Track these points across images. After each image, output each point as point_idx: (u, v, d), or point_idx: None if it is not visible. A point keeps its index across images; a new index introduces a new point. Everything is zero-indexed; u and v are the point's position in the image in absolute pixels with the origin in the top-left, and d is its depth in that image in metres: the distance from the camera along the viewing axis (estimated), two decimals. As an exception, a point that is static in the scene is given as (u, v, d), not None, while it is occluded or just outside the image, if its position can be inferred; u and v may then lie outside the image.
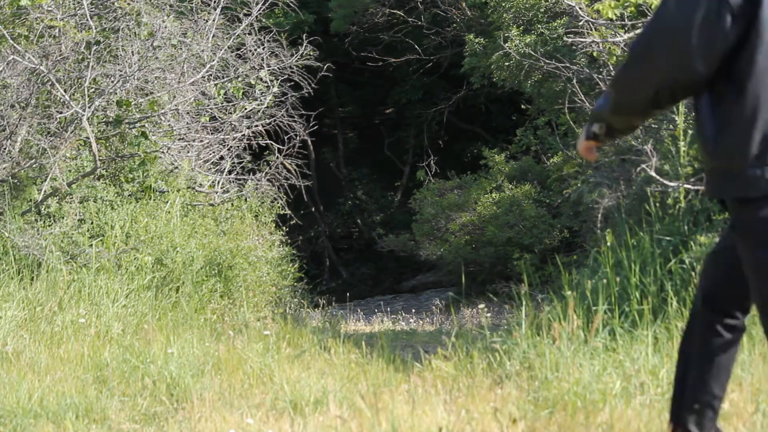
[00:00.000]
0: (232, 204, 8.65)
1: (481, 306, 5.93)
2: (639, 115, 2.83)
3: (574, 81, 8.50)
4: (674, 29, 2.57)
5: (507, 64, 11.64)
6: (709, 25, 2.53)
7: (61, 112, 6.98)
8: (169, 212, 7.44)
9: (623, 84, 2.74)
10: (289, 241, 9.92)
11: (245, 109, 8.97)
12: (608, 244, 4.79)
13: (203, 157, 8.87)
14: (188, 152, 8.50)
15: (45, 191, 6.77)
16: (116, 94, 7.33)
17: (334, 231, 19.93)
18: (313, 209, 18.97)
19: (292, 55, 9.33)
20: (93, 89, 7.28)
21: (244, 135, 9.13)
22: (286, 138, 9.65)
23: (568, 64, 10.22)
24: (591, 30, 7.18)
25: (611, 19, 6.72)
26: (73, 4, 7.41)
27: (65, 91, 6.97)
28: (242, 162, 9.43)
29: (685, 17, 2.55)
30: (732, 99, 2.56)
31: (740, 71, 2.55)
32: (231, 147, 9.11)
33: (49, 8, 7.08)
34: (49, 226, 6.71)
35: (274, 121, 9.44)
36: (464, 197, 14.13)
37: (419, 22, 17.01)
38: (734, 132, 2.55)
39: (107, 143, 7.58)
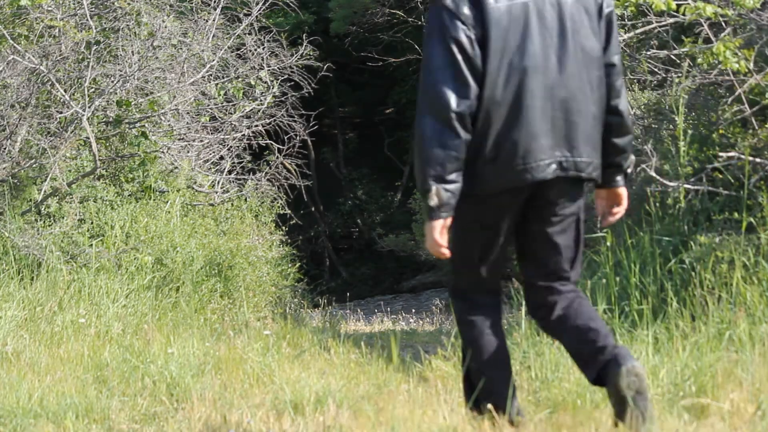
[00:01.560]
0: (232, 204, 8.65)
1: (481, 306, 5.91)
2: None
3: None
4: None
5: (507, 64, 11.62)
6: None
7: (61, 112, 6.98)
8: (169, 212, 7.44)
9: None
10: (289, 241, 9.91)
11: (245, 109, 8.97)
12: (608, 244, 4.79)
13: (203, 157, 8.87)
14: (188, 152, 8.50)
15: (45, 191, 6.77)
16: (116, 94, 7.33)
17: (334, 231, 19.90)
18: (313, 209, 18.96)
19: (292, 55, 9.33)
20: (93, 89, 7.28)
21: (244, 135, 9.13)
22: (286, 138, 9.65)
23: (568, 64, 10.21)
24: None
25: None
26: (73, 4, 7.40)
27: (65, 91, 6.97)
28: (242, 162, 9.43)
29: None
30: (475, 111, 2.99)
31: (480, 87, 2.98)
32: (231, 147, 9.11)
33: (49, 8, 7.08)
34: (49, 226, 6.71)
35: (274, 121, 9.44)
36: (464, 197, 14.08)
37: (419, 22, 16.99)
38: (476, 139, 2.98)
39: (107, 143, 7.58)
